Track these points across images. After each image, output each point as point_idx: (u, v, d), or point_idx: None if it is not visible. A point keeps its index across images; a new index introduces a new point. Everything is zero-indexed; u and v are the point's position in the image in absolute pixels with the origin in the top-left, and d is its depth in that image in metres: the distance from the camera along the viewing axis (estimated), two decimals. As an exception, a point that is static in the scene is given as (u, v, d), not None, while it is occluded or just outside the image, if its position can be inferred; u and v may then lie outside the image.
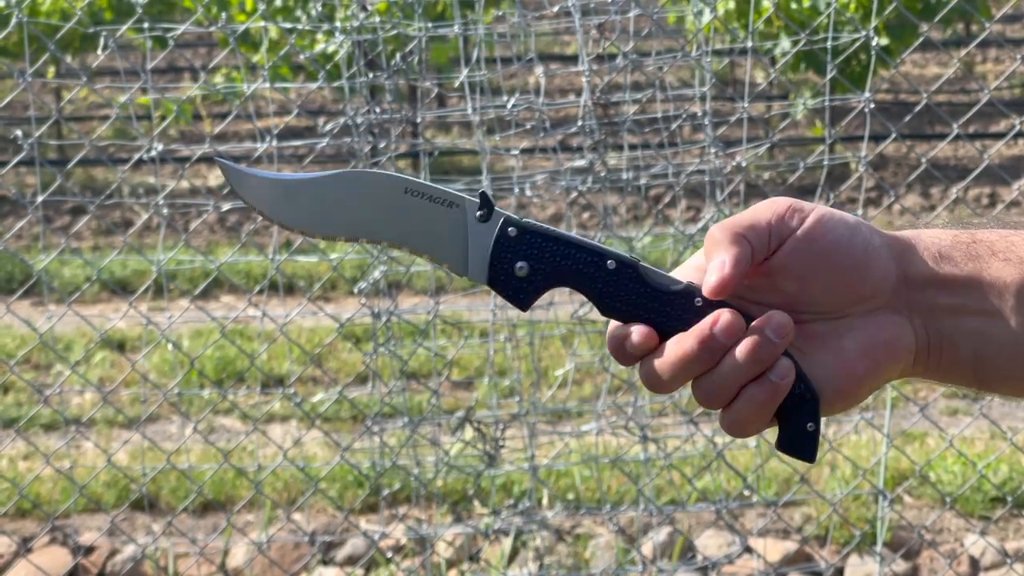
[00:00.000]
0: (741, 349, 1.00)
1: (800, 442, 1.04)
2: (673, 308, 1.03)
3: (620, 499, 4.09)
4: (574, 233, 1.08)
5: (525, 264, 1.06)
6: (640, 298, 1.04)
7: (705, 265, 1.02)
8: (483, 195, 1.07)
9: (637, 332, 1.02)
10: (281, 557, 3.90)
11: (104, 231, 7.98)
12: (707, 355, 1.00)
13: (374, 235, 1.08)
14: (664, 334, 1.03)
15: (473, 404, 3.50)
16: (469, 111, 3.31)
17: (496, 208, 1.07)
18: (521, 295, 1.06)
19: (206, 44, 13.09)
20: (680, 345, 1.01)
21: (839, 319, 1.02)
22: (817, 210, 1.01)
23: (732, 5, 8.02)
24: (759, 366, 1.00)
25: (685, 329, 1.02)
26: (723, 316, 1.00)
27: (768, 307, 1.02)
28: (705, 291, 1.01)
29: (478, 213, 1.06)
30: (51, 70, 9.94)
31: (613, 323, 1.05)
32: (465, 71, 3.29)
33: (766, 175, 8.07)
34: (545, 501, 4.07)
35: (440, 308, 3.46)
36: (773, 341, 1.00)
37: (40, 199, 3.45)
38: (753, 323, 1.01)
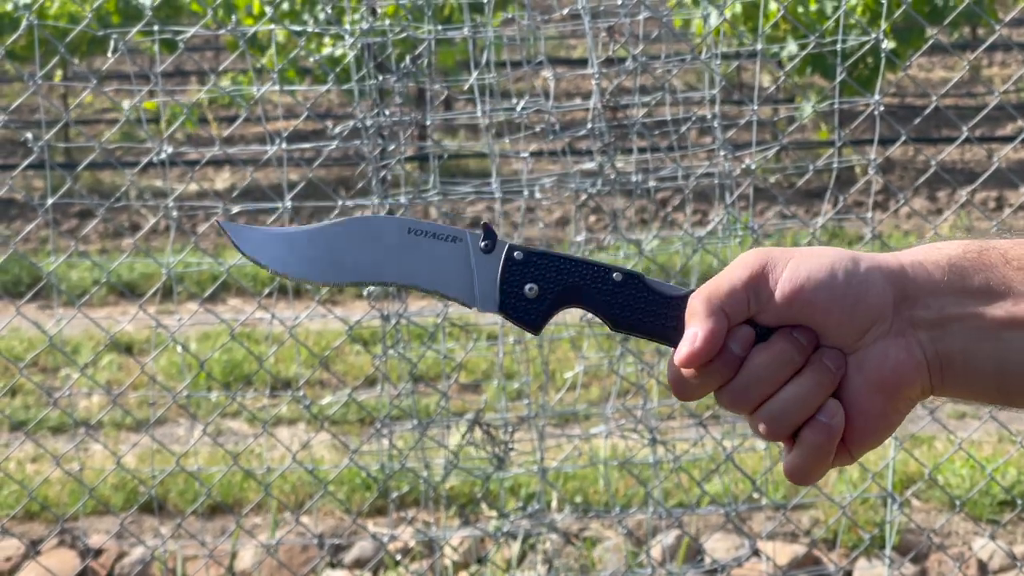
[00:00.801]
0: (804, 374, 1.01)
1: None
2: (681, 313, 1.05)
3: (629, 502, 4.09)
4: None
5: (535, 285, 1.08)
6: (648, 305, 1.06)
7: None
8: (486, 226, 1.09)
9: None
10: (289, 560, 3.90)
11: (112, 234, 7.99)
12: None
13: (380, 277, 1.09)
14: (673, 341, 1.05)
15: (482, 407, 3.50)
16: (478, 114, 3.32)
17: (499, 238, 1.09)
18: (532, 316, 1.08)
19: (213, 48, 13.11)
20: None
21: (848, 355, 1.02)
22: (789, 266, 1.01)
23: (739, 9, 8.02)
24: (820, 392, 1.01)
25: None
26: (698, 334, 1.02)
27: None
28: (676, 359, 1.02)
29: (482, 244, 1.08)
30: (59, 73, 9.96)
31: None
32: (474, 74, 3.29)
33: (774, 178, 8.06)
34: (554, 504, 4.07)
35: (448, 311, 3.47)
36: (831, 370, 1.01)
37: (49, 202, 3.45)
38: (813, 355, 1.02)
